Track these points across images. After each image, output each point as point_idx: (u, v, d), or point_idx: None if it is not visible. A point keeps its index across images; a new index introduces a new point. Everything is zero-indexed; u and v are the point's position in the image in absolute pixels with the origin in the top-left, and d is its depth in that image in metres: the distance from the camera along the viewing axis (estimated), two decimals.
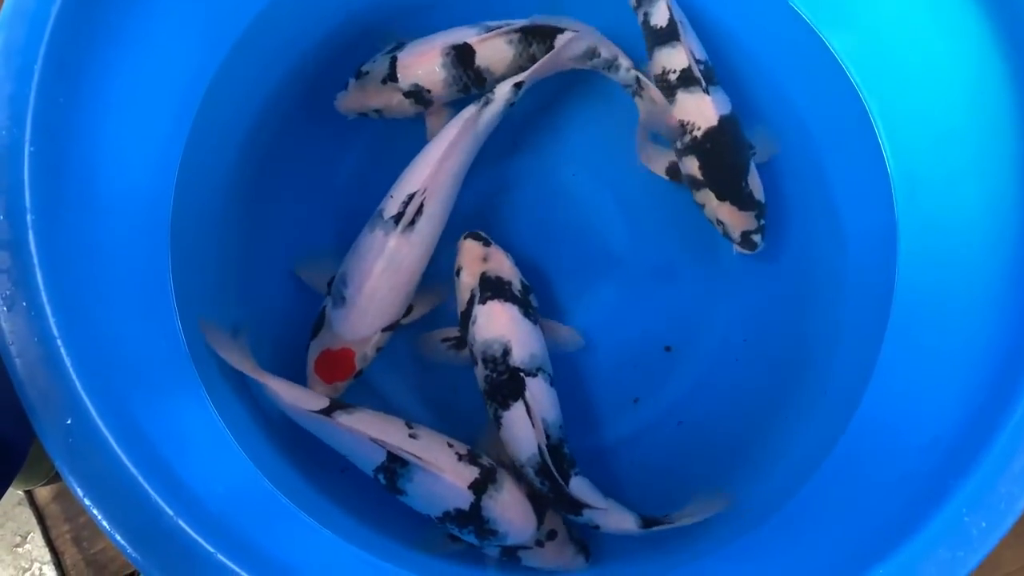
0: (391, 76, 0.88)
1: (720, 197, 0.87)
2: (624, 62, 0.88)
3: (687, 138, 0.87)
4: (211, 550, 0.63)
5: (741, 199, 0.87)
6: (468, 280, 0.86)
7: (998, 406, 0.67)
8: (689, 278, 0.96)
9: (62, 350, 0.64)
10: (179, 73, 0.83)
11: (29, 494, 1.04)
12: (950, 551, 0.63)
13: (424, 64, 0.87)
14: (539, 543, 0.78)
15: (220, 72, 0.86)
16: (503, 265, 0.87)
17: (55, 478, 1.03)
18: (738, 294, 0.95)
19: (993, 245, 0.77)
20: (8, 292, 0.64)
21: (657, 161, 0.92)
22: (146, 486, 0.63)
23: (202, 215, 0.85)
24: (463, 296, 0.86)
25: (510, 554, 0.79)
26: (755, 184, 0.88)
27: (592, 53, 0.87)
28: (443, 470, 0.75)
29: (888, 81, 0.87)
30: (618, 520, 0.80)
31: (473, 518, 0.76)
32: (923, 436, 0.73)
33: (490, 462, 0.80)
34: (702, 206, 0.89)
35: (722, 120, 0.86)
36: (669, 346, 0.94)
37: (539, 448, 0.78)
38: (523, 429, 0.80)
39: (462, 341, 0.87)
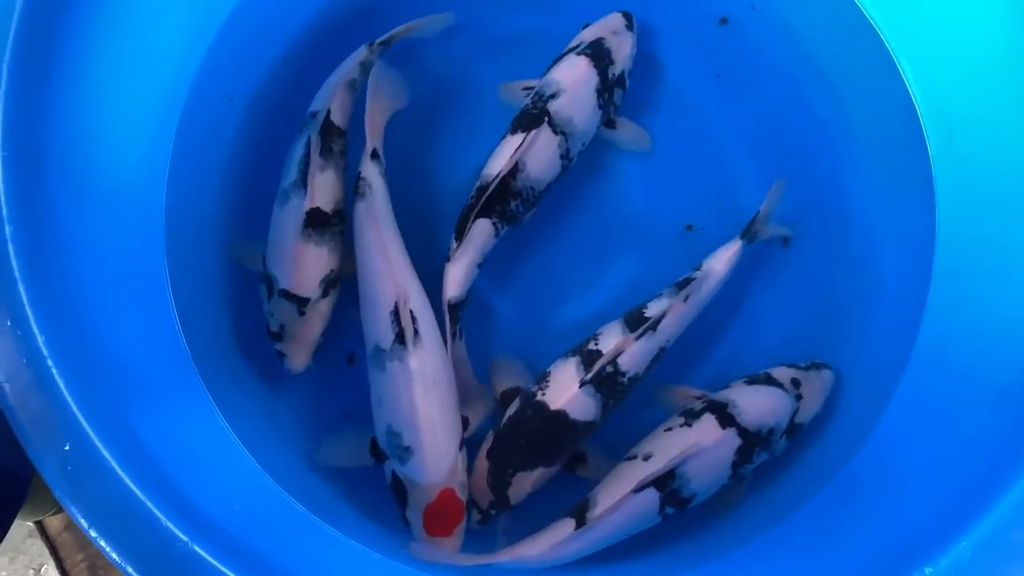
0: None
1: None
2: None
3: None
4: None
5: None
6: (586, 34, 0.87)
7: None
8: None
9: (54, 371, 0.61)
10: (161, 69, 0.81)
11: (39, 525, 1.01)
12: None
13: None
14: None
15: (204, 65, 0.84)
16: (623, 47, 0.87)
17: None
18: (761, 256, 0.90)
19: None
20: None
21: None
22: (155, 511, 0.60)
23: (197, 211, 0.83)
24: (574, 41, 0.88)
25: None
26: None
27: None
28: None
29: (913, 22, 0.83)
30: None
31: None
32: (986, 392, 0.70)
33: None
34: None
35: None
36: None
37: (494, 177, 0.79)
38: (501, 157, 0.81)
39: (528, 90, 0.87)
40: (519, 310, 0.88)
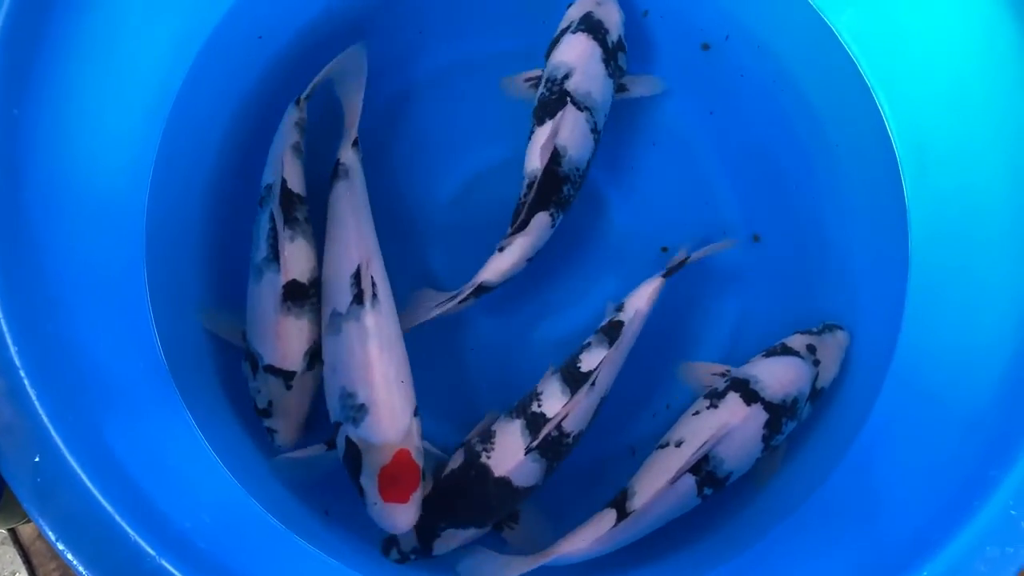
0: None
1: None
2: None
3: None
4: None
5: None
6: (575, 12, 0.88)
7: None
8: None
9: (26, 381, 0.61)
10: (146, 79, 0.80)
11: (12, 532, 1.00)
12: (999, 547, 0.59)
13: None
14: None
15: (190, 75, 0.84)
16: (611, 14, 0.88)
17: None
18: (736, 279, 0.91)
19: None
20: None
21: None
22: (124, 525, 0.59)
23: (178, 222, 0.82)
24: (562, 25, 0.88)
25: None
26: None
27: None
28: None
29: (890, 54, 0.85)
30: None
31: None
32: (959, 419, 0.70)
33: None
34: None
35: None
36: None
37: (540, 168, 0.80)
38: (540, 143, 0.81)
39: (536, 83, 0.88)
40: (499, 328, 0.88)
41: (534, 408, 0.77)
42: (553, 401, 0.77)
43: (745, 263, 0.90)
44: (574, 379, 0.77)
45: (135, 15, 0.76)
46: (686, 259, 0.83)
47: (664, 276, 0.82)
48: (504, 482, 0.75)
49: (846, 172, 0.89)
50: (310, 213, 0.83)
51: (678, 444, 0.76)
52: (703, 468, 0.74)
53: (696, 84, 0.93)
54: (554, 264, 0.90)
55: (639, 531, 0.74)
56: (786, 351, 0.81)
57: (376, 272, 0.78)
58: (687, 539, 0.79)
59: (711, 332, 0.89)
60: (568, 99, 0.83)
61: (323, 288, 0.80)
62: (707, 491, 0.75)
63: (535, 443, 0.74)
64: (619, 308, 0.82)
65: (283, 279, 0.77)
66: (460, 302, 0.80)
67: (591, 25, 0.86)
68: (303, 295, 0.78)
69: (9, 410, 0.60)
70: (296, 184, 0.81)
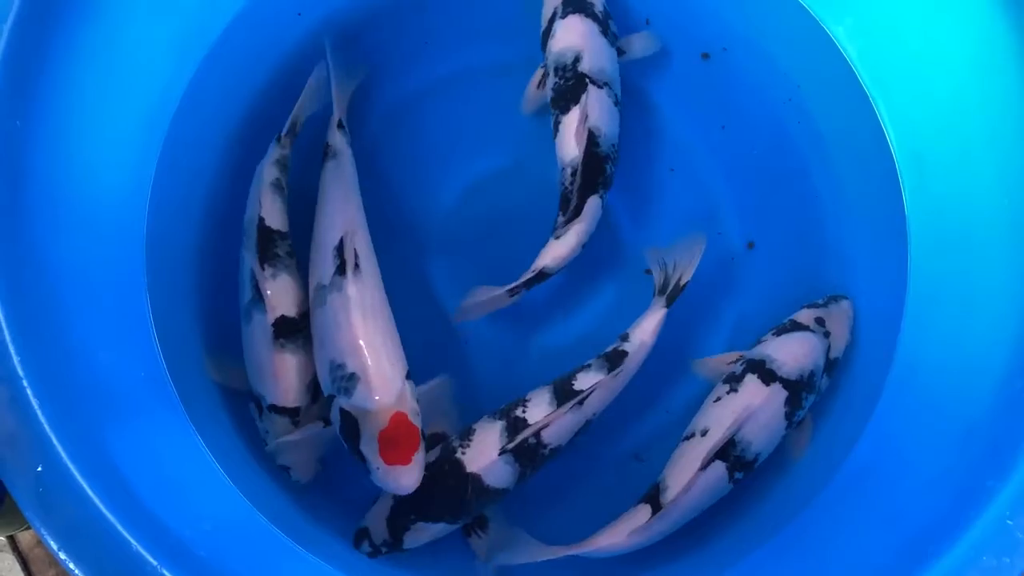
0: None
1: None
2: None
3: None
4: None
5: None
6: (553, 1, 0.87)
7: None
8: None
9: (28, 391, 0.61)
10: (146, 92, 0.80)
11: (12, 539, 1.00)
12: (995, 557, 0.59)
13: None
14: None
15: (190, 89, 0.83)
16: None
17: None
18: (736, 285, 0.91)
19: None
20: None
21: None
22: (126, 534, 0.59)
23: (179, 232, 0.82)
24: (546, 15, 0.88)
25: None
26: None
27: None
28: None
29: (889, 63, 0.85)
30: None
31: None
32: (956, 429, 0.70)
33: None
34: None
35: None
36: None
37: (580, 153, 0.80)
38: (573, 131, 0.81)
39: (545, 73, 0.88)
40: (498, 337, 0.89)
41: (518, 413, 0.77)
42: (538, 410, 0.77)
43: (742, 270, 0.90)
44: (564, 394, 0.77)
45: (136, 27, 0.77)
46: (680, 282, 0.82)
47: (667, 306, 0.82)
48: (475, 479, 0.75)
49: (845, 180, 0.89)
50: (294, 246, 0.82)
51: (703, 433, 0.77)
52: (731, 453, 0.75)
53: (694, 93, 0.93)
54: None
55: (675, 523, 0.75)
56: (796, 327, 0.81)
57: (360, 243, 0.78)
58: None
59: (711, 338, 0.89)
60: (587, 80, 0.83)
61: (311, 263, 0.80)
62: (738, 475, 0.76)
63: (510, 445, 0.74)
64: (624, 338, 0.81)
65: (271, 317, 0.77)
66: (521, 288, 0.80)
67: (577, 4, 0.87)
68: (295, 329, 0.78)
69: (12, 420, 0.60)
70: (276, 220, 0.81)
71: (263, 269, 0.78)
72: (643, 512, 0.75)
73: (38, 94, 0.69)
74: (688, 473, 0.74)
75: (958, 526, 0.62)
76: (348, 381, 0.73)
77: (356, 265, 0.76)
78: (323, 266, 0.78)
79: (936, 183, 0.82)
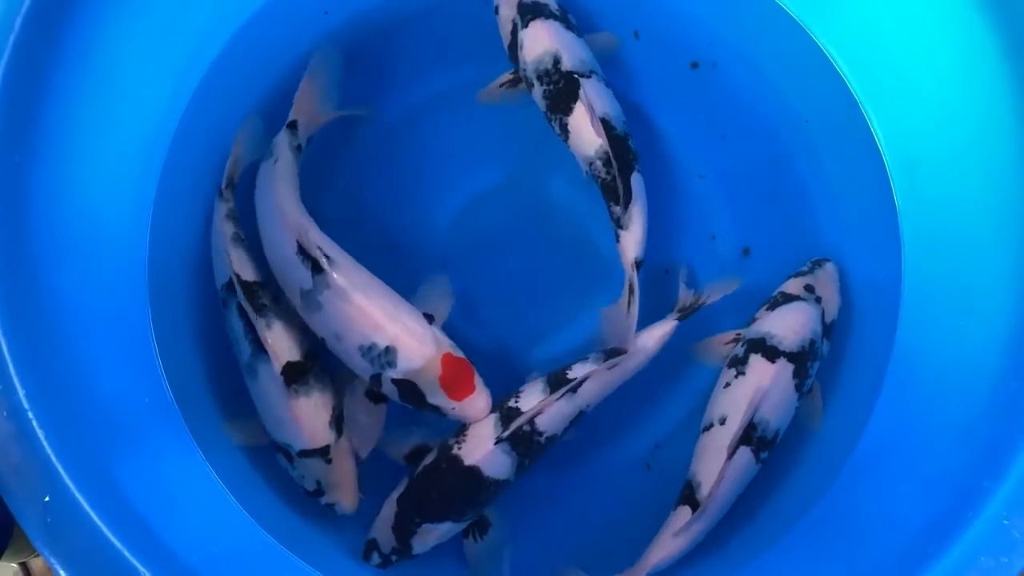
0: None
1: None
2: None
3: None
4: None
5: None
6: (507, 12, 0.88)
7: None
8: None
9: (34, 423, 0.61)
10: (145, 115, 0.81)
11: (24, 566, 1.01)
12: (993, 557, 0.60)
13: None
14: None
15: (187, 113, 0.84)
16: None
17: None
18: (739, 290, 0.90)
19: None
20: None
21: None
22: (134, 561, 0.60)
23: (180, 259, 0.83)
24: (506, 29, 0.88)
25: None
26: None
27: None
28: None
29: (877, 69, 0.85)
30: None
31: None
32: (952, 430, 0.71)
33: None
34: None
35: None
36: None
37: (604, 140, 0.80)
38: (586, 126, 0.82)
39: (516, 78, 0.88)
40: (496, 345, 0.89)
41: (511, 403, 0.78)
42: (531, 399, 0.77)
43: (737, 277, 0.90)
44: (558, 383, 0.78)
45: (131, 57, 0.77)
46: (700, 302, 0.83)
47: (678, 320, 0.83)
48: (474, 472, 0.75)
49: (837, 186, 0.90)
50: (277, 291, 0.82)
51: (722, 421, 0.77)
52: (753, 436, 0.76)
53: (684, 102, 0.94)
54: (548, 282, 0.91)
55: (716, 516, 0.76)
56: (787, 298, 0.82)
57: (316, 238, 0.78)
58: None
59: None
60: (575, 76, 0.84)
61: (277, 276, 0.80)
62: (763, 455, 0.77)
63: (505, 434, 0.75)
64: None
65: (278, 367, 0.76)
66: (636, 290, 0.82)
67: (534, 11, 0.87)
68: (303, 371, 0.78)
69: (18, 452, 0.60)
70: (249, 273, 0.80)
71: (260, 319, 0.78)
72: (683, 514, 0.76)
73: (38, 123, 0.70)
74: (717, 464, 0.75)
75: (955, 527, 0.62)
76: (387, 355, 0.75)
77: (326, 256, 0.77)
78: (295, 274, 0.78)
79: (927, 185, 0.82)
